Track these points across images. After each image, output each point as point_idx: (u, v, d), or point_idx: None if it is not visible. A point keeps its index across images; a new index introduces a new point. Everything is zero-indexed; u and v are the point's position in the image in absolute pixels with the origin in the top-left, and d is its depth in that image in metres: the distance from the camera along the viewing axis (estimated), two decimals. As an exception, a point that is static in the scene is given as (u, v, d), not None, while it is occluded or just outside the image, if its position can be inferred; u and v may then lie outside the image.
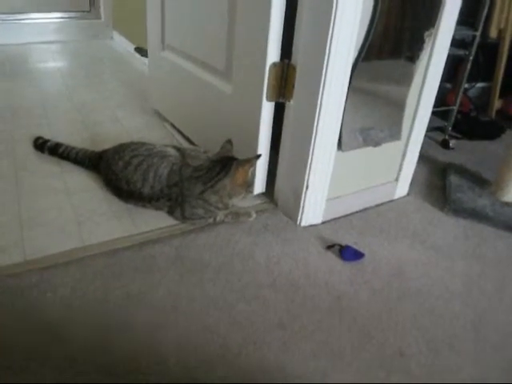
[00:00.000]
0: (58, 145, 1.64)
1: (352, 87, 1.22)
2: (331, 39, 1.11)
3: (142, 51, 2.95)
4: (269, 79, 1.26)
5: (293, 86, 1.26)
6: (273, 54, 1.24)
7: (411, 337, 1.04)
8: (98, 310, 1.04)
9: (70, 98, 2.31)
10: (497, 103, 2.56)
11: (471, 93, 2.67)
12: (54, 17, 3.47)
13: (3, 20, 3.26)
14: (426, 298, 1.16)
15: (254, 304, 1.09)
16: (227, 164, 1.29)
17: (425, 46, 1.33)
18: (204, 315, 1.05)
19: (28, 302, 1.04)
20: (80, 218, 1.34)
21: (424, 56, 1.36)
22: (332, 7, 1.07)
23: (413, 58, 1.34)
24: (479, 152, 2.10)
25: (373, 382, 0.93)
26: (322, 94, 1.18)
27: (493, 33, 2.37)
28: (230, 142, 1.36)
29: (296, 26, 1.21)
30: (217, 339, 0.99)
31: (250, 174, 1.31)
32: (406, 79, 1.38)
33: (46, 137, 1.71)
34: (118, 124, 2.01)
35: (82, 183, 1.51)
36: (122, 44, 3.33)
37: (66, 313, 1.03)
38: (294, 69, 1.24)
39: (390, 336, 1.04)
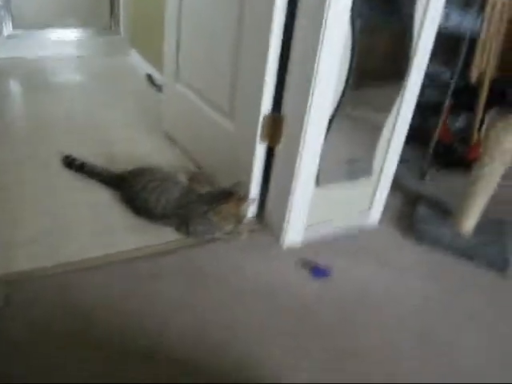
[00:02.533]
0: (84, 164, 1.93)
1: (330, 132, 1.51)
2: (311, 99, 1.40)
3: (151, 80, 3.12)
4: (262, 126, 1.55)
5: (281, 134, 1.55)
6: (266, 106, 1.54)
7: (365, 342, 1.32)
8: (119, 307, 1.33)
9: (89, 116, 2.56)
10: (477, 137, 2.81)
11: (454, 125, 2.93)
12: (74, 32, 3.68)
13: (27, 35, 3.47)
14: (381, 312, 1.44)
15: (240, 308, 1.38)
16: (229, 195, 1.60)
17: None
18: (201, 314, 1.34)
19: (66, 297, 1.33)
20: (103, 229, 1.63)
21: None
22: (312, 75, 1.36)
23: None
24: (452, 184, 2.32)
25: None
26: (304, 143, 1.47)
27: (474, 77, 2.63)
28: (239, 183, 1.66)
29: (285, 87, 1.50)
30: (210, 334, 1.28)
31: (243, 208, 1.61)
32: (377, 131, 1.66)
33: (71, 153, 1.98)
34: (133, 144, 2.28)
35: (104, 199, 1.79)
36: (139, 62, 3.59)
37: (92, 308, 1.31)
38: (283, 119, 1.53)
39: (346, 340, 1.32)
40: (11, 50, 3.40)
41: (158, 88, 2.88)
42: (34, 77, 3.13)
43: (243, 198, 1.63)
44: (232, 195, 1.60)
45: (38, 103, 2.67)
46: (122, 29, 3.85)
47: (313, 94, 1.40)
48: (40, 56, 3.48)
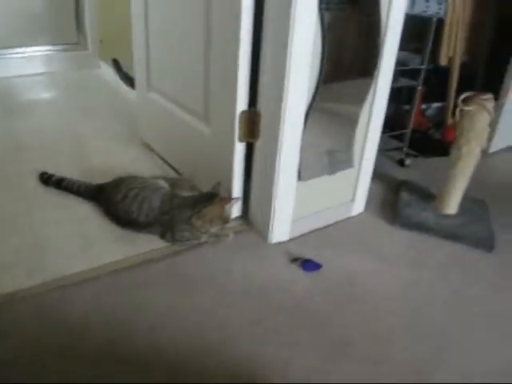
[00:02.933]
0: (61, 179, 1.89)
1: (307, 126, 1.51)
2: (287, 93, 1.40)
3: (118, 67, 2.98)
4: (239, 124, 1.54)
5: (259, 129, 1.54)
6: (241, 103, 1.52)
7: (356, 330, 1.32)
8: (109, 317, 1.30)
9: (64, 132, 2.53)
10: (450, 122, 2.86)
11: (429, 112, 2.98)
12: (42, 49, 3.66)
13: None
14: (371, 299, 1.44)
15: (232, 308, 1.37)
16: (212, 197, 1.58)
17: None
18: (193, 318, 1.32)
19: (53, 315, 1.31)
20: (86, 243, 1.60)
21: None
22: (285, 70, 1.36)
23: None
24: (432, 168, 2.40)
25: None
26: (282, 136, 1.46)
27: (443, 61, 2.68)
28: (219, 183, 1.63)
29: (259, 82, 1.49)
30: (203, 336, 1.26)
31: (227, 209, 1.60)
32: (353, 122, 1.67)
33: (47, 170, 1.96)
34: (111, 156, 2.25)
35: (85, 213, 1.76)
36: (110, 74, 3.56)
37: (84, 321, 1.29)
38: (260, 115, 1.53)
39: (339, 330, 1.32)
40: (-23, 72, 3.36)
41: (124, 76, 2.80)
42: (4, 96, 3.09)
43: (226, 198, 1.62)
44: (214, 197, 1.58)
45: (9, 123, 2.62)
46: (89, 43, 3.85)
47: (287, 87, 1.39)
48: (8, 75, 3.44)
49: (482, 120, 1.73)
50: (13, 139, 2.41)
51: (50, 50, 3.71)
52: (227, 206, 1.59)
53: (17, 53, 3.56)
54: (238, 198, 1.68)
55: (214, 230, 1.61)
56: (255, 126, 1.55)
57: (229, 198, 1.63)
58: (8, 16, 3.45)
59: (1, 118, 2.72)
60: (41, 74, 3.60)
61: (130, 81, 2.79)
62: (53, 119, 2.74)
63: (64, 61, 3.76)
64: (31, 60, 3.62)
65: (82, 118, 2.77)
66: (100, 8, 3.53)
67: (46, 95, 3.25)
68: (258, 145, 1.58)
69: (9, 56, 3.53)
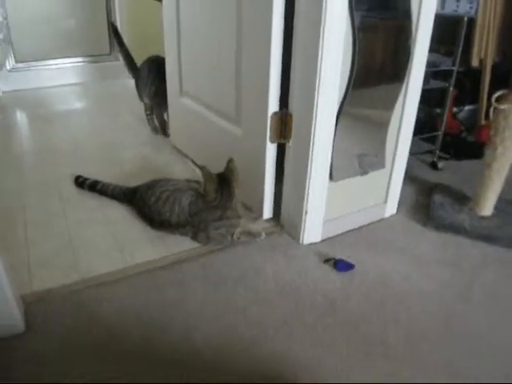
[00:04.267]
0: (96, 182, 1.94)
1: (338, 130, 1.51)
2: (318, 94, 1.40)
3: (117, 34, 2.78)
4: (271, 125, 1.56)
5: (290, 130, 1.55)
6: (273, 105, 1.54)
7: (391, 330, 1.30)
8: (144, 315, 1.32)
9: (98, 138, 2.60)
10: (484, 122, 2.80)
11: (461, 115, 2.93)
12: (75, 61, 3.77)
13: (29, 67, 3.56)
14: (405, 300, 1.42)
15: (264, 307, 1.37)
16: (228, 186, 1.60)
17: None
18: (226, 317, 1.33)
19: (88, 312, 1.33)
20: (121, 243, 1.63)
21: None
22: (316, 72, 1.37)
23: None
24: (465, 171, 2.34)
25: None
26: (314, 136, 1.46)
27: (474, 62, 2.64)
28: (204, 167, 1.62)
29: (291, 84, 1.50)
30: (236, 335, 1.27)
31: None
32: (383, 126, 1.66)
33: (82, 174, 2.01)
34: (143, 160, 2.31)
35: (119, 215, 1.80)
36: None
37: (119, 319, 1.31)
38: (291, 116, 1.53)
39: (373, 330, 1.30)
40: (15, 83, 3.47)
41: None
42: (39, 107, 3.19)
43: (236, 179, 1.62)
44: (231, 187, 1.60)
45: (45, 131, 2.71)
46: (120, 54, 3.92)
47: (318, 89, 1.40)
48: (43, 86, 3.56)
49: (518, 119, 1.70)
50: (48, 146, 2.49)
51: (82, 61, 3.81)
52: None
53: (51, 64, 3.67)
54: (231, 160, 1.62)
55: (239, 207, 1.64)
56: (287, 126, 1.56)
57: (235, 176, 1.62)
58: (43, 29, 3.57)
59: (36, 126, 2.82)
60: (74, 84, 3.70)
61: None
62: (86, 127, 2.82)
63: (96, 71, 3.85)
64: (65, 71, 3.72)
65: (114, 125, 2.83)
66: (129, 20, 3.61)
67: (78, 105, 3.34)
68: (290, 146, 1.58)
69: (44, 67, 3.64)
